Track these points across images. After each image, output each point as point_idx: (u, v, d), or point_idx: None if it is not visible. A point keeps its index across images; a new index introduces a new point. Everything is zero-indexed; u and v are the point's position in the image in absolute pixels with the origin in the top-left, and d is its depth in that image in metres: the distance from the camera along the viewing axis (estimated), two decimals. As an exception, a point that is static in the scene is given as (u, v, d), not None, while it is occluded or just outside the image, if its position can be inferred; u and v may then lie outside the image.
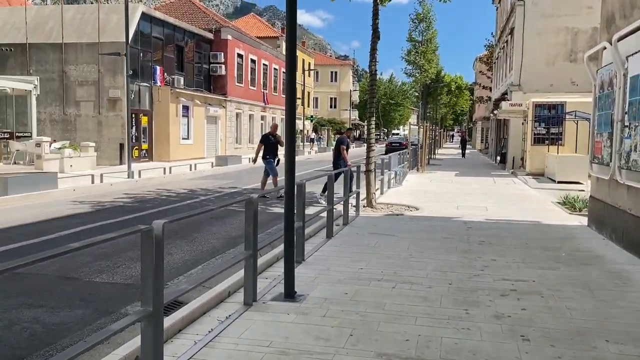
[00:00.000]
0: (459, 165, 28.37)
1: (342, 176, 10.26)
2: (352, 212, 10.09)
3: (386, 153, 28.66)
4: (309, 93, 57.49)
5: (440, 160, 33.12)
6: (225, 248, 7.84)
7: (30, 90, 20.71)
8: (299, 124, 45.22)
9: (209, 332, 4.34)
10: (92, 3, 34.82)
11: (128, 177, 17.43)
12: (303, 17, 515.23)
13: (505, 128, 28.81)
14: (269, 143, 13.95)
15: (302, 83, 48.97)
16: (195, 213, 4.24)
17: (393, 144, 42.98)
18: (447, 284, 5.71)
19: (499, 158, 29.44)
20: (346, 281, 5.77)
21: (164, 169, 19.54)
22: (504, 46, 30.20)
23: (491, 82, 39.10)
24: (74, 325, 4.70)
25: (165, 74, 27.91)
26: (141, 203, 12.79)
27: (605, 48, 8.51)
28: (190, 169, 20.97)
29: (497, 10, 38.40)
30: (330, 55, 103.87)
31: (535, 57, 23.66)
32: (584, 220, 9.86)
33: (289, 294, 5.14)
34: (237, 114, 36.21)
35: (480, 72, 45.65)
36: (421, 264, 6.59)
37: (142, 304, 3.44)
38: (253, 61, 38.37)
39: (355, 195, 10.71)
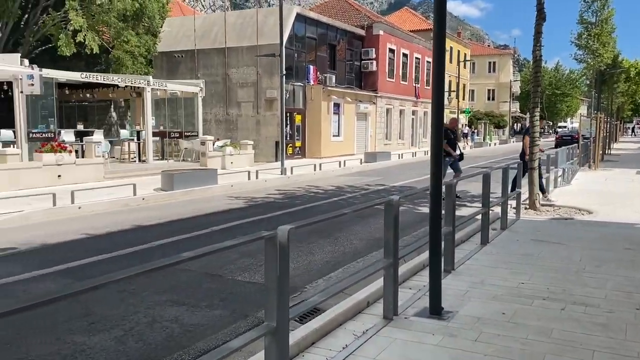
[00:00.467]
0: (640, 162, 24.84)
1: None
2: (511, 214, 9.06)
3: (556, 147, 26.22)
4: (464, 85, 55.05)
5: (616, 155, 29.41)
6: (367, 250, 7.43)
7: (197, 93, 22.36)
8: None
9: (343, 348, 3.94)
10: (255, 7, 36.81)
11: (281, 174, 17.94)
12: (459, 9, 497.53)
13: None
14: (449, 139, 13.30)
15: (457, 75, 46.95)
16: (324, 218, 3.86)
17: (564, 138, 39.72)
18: (633, 309, 4.67)
19: (692, 153, 25.21)
20: (503, 298, 4.99)
21: (314, 165, 19.81)
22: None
23: (682, 64, 33.74)
24: (210, 327, 4.62)
25: (318, 72, 28.45)
26: (290, 200, 12.95)
27: None
28: (340, 166, 21.01)
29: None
30: (489, 45, 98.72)
31: None
32: None
33: (435, 310, 4.54)
34: (388, 110, 35.78)
35: (668, 54, 39.73)
36: (597, 280, 5.54)
37: (266, 318, 3.14)
38: (405, 55, 37.61)
39: (515, 195, 9.63)
